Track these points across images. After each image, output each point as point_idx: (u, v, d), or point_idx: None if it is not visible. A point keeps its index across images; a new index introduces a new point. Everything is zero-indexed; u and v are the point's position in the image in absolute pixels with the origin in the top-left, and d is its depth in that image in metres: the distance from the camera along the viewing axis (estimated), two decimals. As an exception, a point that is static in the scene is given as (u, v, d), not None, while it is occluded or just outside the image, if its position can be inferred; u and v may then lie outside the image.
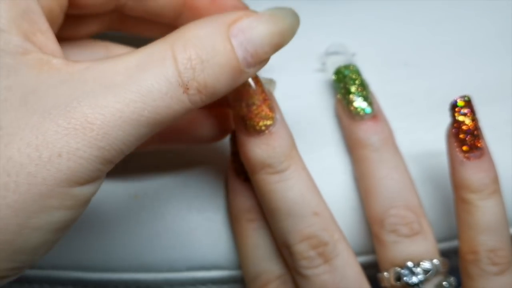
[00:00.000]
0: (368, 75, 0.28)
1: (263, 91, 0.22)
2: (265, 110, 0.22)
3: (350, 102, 0.27)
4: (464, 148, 0.24)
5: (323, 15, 0.32)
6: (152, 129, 0.18)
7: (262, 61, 0.19)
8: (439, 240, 0.27)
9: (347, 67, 0.28)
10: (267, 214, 0.24)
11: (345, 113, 0.27)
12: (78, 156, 0.16)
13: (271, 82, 0.26)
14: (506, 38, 0.31)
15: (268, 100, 0.23)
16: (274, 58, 0.30)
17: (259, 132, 0.22)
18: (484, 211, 0.23)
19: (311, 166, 0.27)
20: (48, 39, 0.18)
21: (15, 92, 0.16)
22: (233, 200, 0.25)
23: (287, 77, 0.30)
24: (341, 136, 0.29)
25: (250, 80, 0.22)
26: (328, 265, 0.23)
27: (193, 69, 0.18)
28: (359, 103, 0.27)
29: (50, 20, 0.20)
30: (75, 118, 0.16)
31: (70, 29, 0.23)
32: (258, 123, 0.22)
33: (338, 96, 0.28)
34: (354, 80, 0.27)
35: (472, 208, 0.24)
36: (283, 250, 0.24)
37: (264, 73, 0.29)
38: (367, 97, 0.27)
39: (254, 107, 0.22)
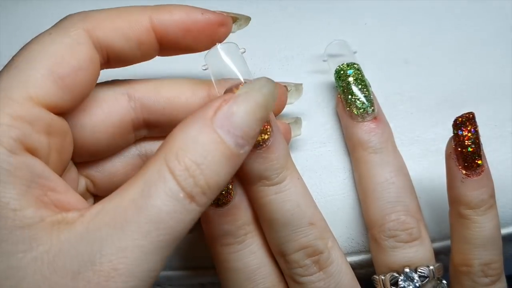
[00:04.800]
0: (368, 73, 0.28)
1: None
2: None
3: (351, 102, 0.26)
4: (465, 165, 0.23)
5: (323, 14, 0.31)
6: (172, 245, 0.18)
7: (255, 135, 0.19)
8: (433, 240, 0.27)
9: (349, 65, 0.27)
10: (264, 224, 0.24)
11: (346, 113, 0.27)
12: None
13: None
14: (506, 37, 0.31)
15: None
16: (274, 58, 0.30)
17: (256, 146, 0.22)
18: (481, 226, 0.23)
19: (311, 164, 0.27)
20: (60, 192, 0.18)
21: (42, 261, 0.17)
22: (205, 227, 0.24)
23: (288, 76, 0.30)
24: (341, 134, 0.28)
25: None
26: (323, 273, 0.23)
27: (193, 176, 0.18)
28: (360, 103, 0.26)
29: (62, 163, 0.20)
30: (103, 270, 0.16)
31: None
32: None
33: (339, 95, 0.27)
34: (356, 79, 0.26)
35: (469, 223, 0.24)
36: (278, 258, 0.24)
37: (263, 73, 0.29)
38: (369, 97, 0.26)
39: None
